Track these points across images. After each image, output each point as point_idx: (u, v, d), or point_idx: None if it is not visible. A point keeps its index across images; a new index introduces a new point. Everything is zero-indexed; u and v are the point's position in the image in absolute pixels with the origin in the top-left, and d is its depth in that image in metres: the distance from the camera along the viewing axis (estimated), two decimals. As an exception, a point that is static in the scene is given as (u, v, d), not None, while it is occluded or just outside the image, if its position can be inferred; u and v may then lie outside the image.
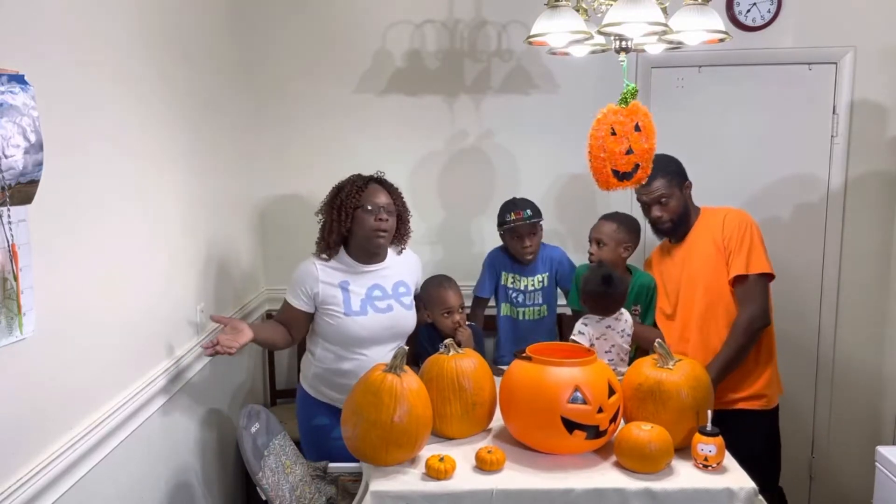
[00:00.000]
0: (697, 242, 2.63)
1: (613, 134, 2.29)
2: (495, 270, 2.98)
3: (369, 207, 2.37)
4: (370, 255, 2.45)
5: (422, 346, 2.66)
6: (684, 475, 1.98)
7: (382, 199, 2.41)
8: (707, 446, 1.98)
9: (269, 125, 3.34)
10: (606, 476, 1.98)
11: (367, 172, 2.55)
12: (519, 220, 2.82)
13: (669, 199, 2.59)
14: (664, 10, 2.18)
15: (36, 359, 1.59)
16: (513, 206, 2.89)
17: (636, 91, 2.29)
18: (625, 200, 3.32)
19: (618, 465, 2.02)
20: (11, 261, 1.43)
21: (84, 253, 1.81)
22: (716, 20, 2.17)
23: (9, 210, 1.42)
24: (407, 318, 2.50)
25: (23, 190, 1.45)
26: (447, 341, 2.24)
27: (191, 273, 2.54)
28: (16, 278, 1.44)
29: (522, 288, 2.94)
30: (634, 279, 2.86)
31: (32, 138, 1.47)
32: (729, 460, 2.03)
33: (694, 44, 2.28)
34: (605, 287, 2.49)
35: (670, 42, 2.31)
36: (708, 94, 3.32)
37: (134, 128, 2.12)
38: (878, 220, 3.32)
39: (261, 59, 3.30)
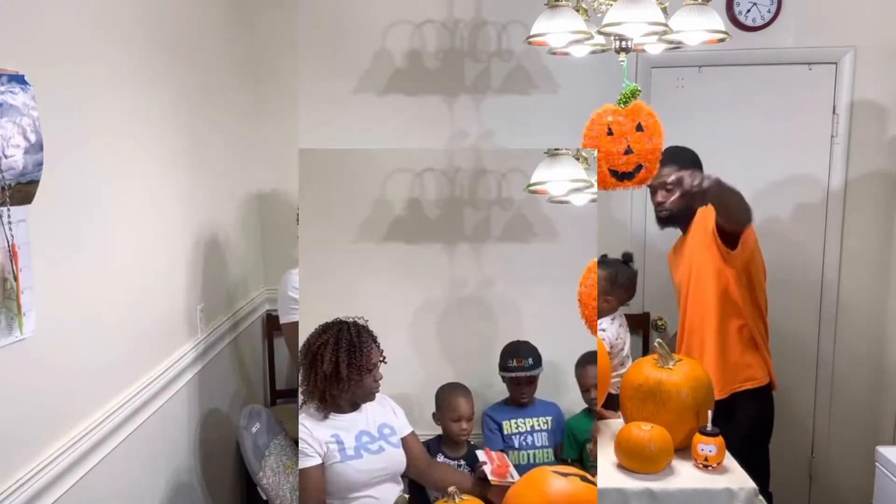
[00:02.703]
0: (695, 239, 2.55)
1: (610, 133, 2.28)
2: (497, 425, 2.75)
3: (370, 369, 2.24)
4: (355, 405, 2.30)
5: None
6: (684, 475, 1.98)
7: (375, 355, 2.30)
8: (707, 446, 1.98)
9: (270, 125, 3.34)
10: (606, 476, 1.98)
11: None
12: (520, 368, 2.68)
13: (675, 188, 2.44)
14: (664, 10, 2.17)
15: (36, 359, 1.59)
16: (516, 352, 2.72)
17: (637, 91, 2.28)
18: (625, 200, 3.33)
19: (618, 465, 2.02)
20: (11, 261, 1.43)
21: (84, 253, 1.81)
22: (716, 20, 2.17)
23: (9, 210, 1.42)
24: (398, 457, 2.37)
25: (23, 190, 1.45)
26: (451, 489, 2.06)
27: (191, 273, 2.54)
28: (16, 278, 1.44)
29: (528, 429, 2.86)
30: None
31: (32, 138, 1.47)
32: (729, 460, 2.03)
33: (694, 44, 2.28)
34: (630, 261, 2.76)
35: (670, 42, 2.30)
36: (708, 94, 3.32)
37: (134, 127, 2.12)
38: (878, 220, 3.31)
39: (261, 59, 3.30)
